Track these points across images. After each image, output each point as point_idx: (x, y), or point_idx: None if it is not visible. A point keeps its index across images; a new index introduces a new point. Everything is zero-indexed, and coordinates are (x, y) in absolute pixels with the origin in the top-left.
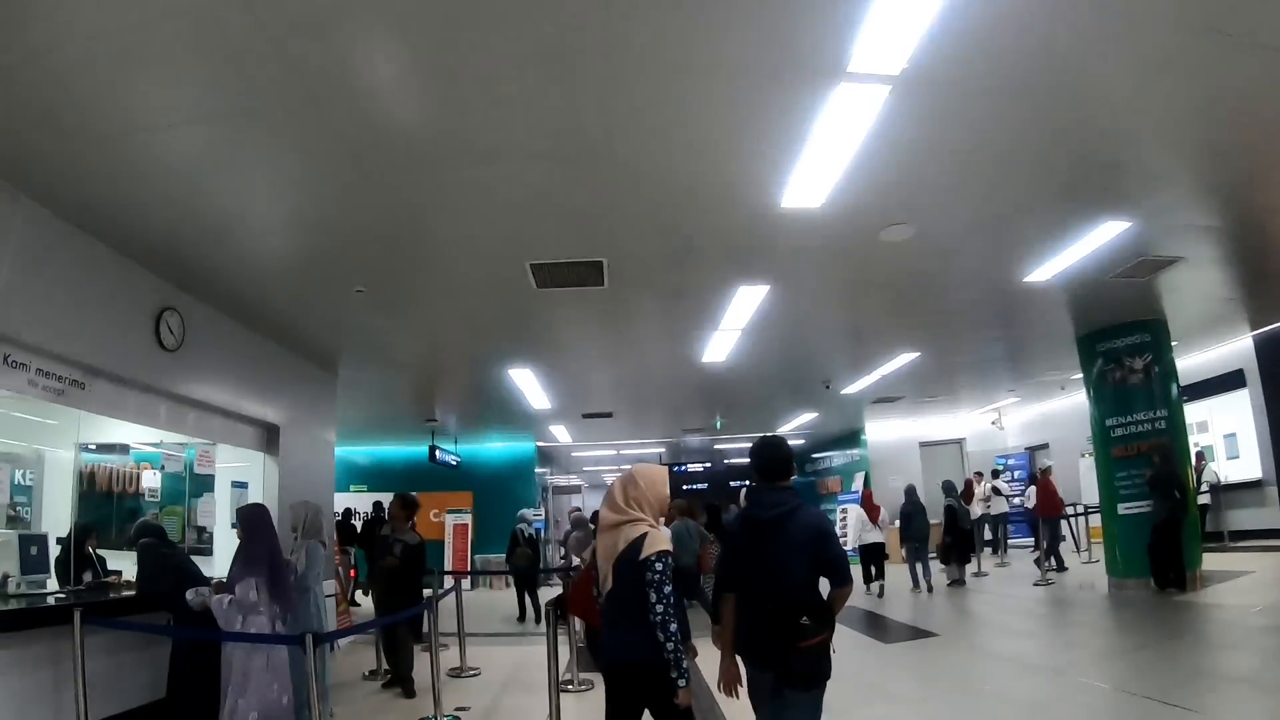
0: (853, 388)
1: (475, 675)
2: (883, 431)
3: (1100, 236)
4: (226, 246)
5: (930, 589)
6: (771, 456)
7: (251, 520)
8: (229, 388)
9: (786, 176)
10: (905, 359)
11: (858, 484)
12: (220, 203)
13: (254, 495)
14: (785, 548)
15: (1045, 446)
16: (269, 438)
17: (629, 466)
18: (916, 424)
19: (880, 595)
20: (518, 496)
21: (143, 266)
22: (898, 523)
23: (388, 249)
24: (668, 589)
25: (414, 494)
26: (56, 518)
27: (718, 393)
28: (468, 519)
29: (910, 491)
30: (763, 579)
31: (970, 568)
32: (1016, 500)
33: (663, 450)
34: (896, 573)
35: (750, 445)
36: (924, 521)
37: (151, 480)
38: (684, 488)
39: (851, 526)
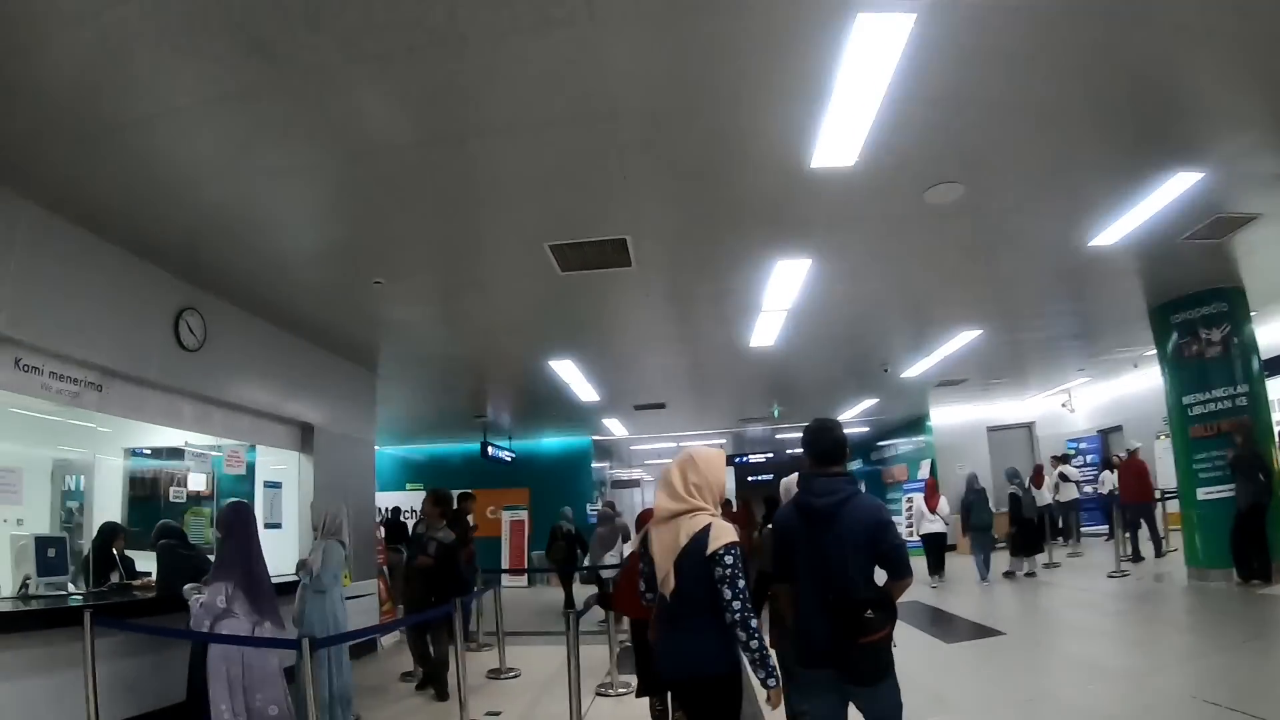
0: (913, 370)
1: (514, 677)
2: (948, 417)
3: (1170, 191)
4: (243, 243)
5: (1010, 575)
6: (824, 440)
7: (226, 520)
8: (257, 387)
9: (813, 132)
10: (966, 338)
11: (923, 472)
12: (233, 198)
13: (289, 495)
14: (841, 537)
15: (1118, 429)
16: (304, 437)
17: (684, 448)
18: (983, 408)
19: (935, 585)
20: (574, 491)
21: (158, 267)
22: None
23: (403, 237)
24: (741, 583)
25: (448, 489)
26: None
27: (771, 379)
28: (524, 515)
29: (971, 480)
30: (818, 571)
31: (1040, 558)
32: (1089, 487)
33: (724, 441)
34: (961, 564)
35: (804, 428)
36: (985, 510)
37: (197, 483)
38: (748, 479)
39: (915, 516)
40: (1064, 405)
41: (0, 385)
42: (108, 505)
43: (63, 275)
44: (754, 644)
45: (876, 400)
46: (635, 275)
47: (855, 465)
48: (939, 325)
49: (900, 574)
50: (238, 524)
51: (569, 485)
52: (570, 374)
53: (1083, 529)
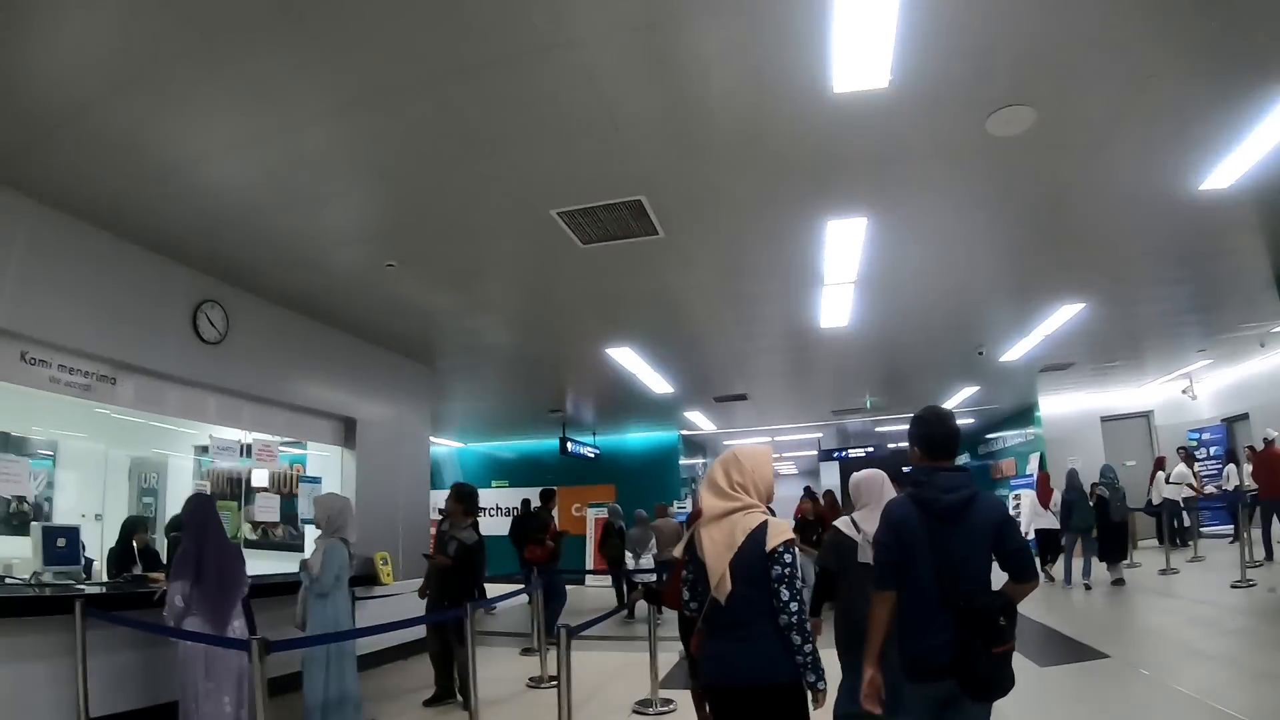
0: (1012, 354)
1: (555, 686)
2: (1059, 406)
3: None
4: (260, 232)
5: (1120, 582)
6: (940, 430)
7: (186, 515)
8: (290, 380)
9: (825, 43)
10: (1068, 313)
11: (1032, 466)
12: (242, 187)
13: (329, 490)
14: (969, 537)
15: (1245, 417)
16: (346, 432)
17: (733, 446)
18: (1096, 396)
19: (1052, 580)
20: (661, 487)
21: (173, 260)
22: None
23: (407, 211)
24: (800, 583)
25: (472, 485)
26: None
27: (855, 366)
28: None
29: (1072, 476)
30: (943, 573)
31: (1125, 562)
32: (1210, 486)
33: (820, 435)
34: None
35: (912, 417)
36: (1088, 510)
37: (261, 479)
38: (852, 475)
39: (1025, 513)
40: (1185, 391)
41: (6, 378)
42: (179, 502)
43: (69, 269)
44: (808, 648)
45: (978, 388)
46: (668, 245)
47: (963, 459)
48: (1033, 298)
49: (1026, 576)
50: (193, 520)
51: (656, 481)
52: (633, 363)
53: (1203, 529)
